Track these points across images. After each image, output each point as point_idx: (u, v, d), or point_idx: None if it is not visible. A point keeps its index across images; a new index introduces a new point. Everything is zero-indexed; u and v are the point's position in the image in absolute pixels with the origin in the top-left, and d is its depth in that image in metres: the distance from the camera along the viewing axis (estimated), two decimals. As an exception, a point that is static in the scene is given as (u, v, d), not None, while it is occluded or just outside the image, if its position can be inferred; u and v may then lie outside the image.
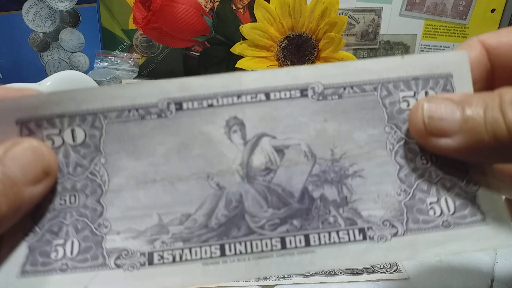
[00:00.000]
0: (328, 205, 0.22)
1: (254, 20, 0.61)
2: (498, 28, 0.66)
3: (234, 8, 0.70)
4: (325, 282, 0.37)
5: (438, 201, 0.22)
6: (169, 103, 0.23)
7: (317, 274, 0.38)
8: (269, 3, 0.60)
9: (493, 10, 0.66)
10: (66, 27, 0.73)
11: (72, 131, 0.22)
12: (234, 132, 0.23)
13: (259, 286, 0.37)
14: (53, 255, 0.21)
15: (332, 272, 0.38)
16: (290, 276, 0.38)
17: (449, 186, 0.23)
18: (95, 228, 0.22)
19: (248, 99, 0.23)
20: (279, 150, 0.23)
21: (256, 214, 0.22)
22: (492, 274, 0.38)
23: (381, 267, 0.38)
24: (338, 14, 0.60)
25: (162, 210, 0.22)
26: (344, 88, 0.23)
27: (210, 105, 0.23)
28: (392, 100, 0.23)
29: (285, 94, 0.23)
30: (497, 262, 0.39)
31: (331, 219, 0.22)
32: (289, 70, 0.23)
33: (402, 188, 0.23)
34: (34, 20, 0.73)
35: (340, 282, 0.37)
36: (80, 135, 0.22)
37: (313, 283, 0.37)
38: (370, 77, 0.23)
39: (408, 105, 0.23)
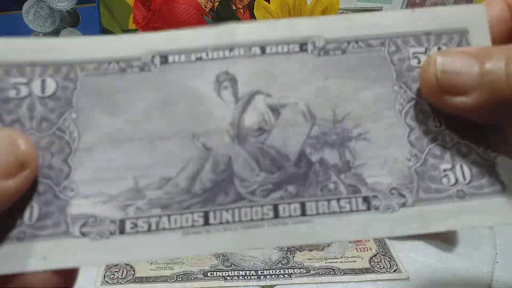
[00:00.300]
0: (328, 170, 0.20)
1: (255, 19, 0.60)
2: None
3: (234, 8, 0.69)
4: (325, 282, 0.36)
5: (452, 168, 0.20)
6: (154, 56, 0.21)
7: (317, 274, 0.37)
8: (269, 3, 0.59)
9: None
10: (66, 27, 0.72)
11: (43, 82, 0.20)
12: (225, 89, 0.21)
13: (259, 286, 0.36)
14: (9, 222, 0.18)
15: (332, 272, 0.37)
16: (290, 276, 0.37)
17: (465, 152, 0.20)
18: (59, 192, 0.19)
19: (241, 53, 0.21)
20: (275, 109, 0.21)
21: (246, 178, 0.20)
22: (492, 274, 0.38)
23: (381, 267, 0.38)
24: (338, 14, 0.59)
25: (138, 172, 0.20)
26: (348, 43, 0.21)
27: (199, 59, 0.21)
28: (401, 56, 0.21)
29: (282, 48, 0.21)
30: (497, 262, 0.39)
31: (331, 186, 0.20)
32: (288, 21, 0.21)
33: (412, 152, 0.20)
34: (34, 20, 0.72)
35: (340, 282, 0.36)
36: (50, 86, 0.20)
37: (313, 283, 0.36)
38: (377, 31, 0.21)
39: (419, 62, 0.21)
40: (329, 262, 0.38)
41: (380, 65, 0.21)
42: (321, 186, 0.20)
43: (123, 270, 0.37)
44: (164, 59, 0.21)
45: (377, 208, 0.19)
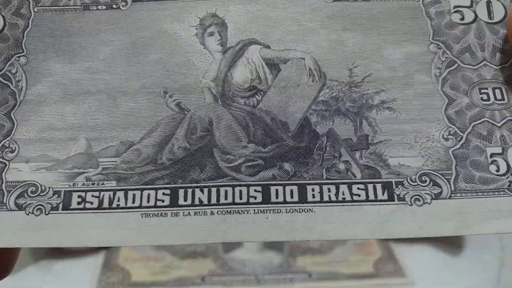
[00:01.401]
0: (338, 145, 0.15)
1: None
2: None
3: None
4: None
5: (503, 152, 0.15)
6: None
7: (319, 279, 0.35)
8: None
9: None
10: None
11: None
12: (210, 35, 0.16)
13: (258, 289, 0.35)
14: None
15: (335, 277, 0.35)
16: (291, 281, 0.35)
17: None
18: None
19: None
20: (273, 65, 0.16)
21: (229, 150, 0.15)
22: (499, 277, 0.36)
23: (386, 271, 0.36)
24: None
25: (93, 134, 0.16)
26: None
27: None
28: (440, 9, 0.16)
29: None
30: (504, 265, 0.37)
31: (342, 166, 0.15)
32: None
33: (451, 130, 0.15)
34: None
35: (343, 287, 0.34)
36: None
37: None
38: None
39: (463, 18, 0.16)
40: (333, 266, 0.36)
41: (413, 18, 0.16)
42: (327, 165, 0.15)
43: (118, 275, 0.36)
44: None
45: (402, 198, 0.14)
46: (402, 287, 0.35)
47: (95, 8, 0.17)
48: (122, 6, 0.17)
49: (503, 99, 0.16)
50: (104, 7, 0.17)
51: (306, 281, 0.35)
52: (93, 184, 0.15)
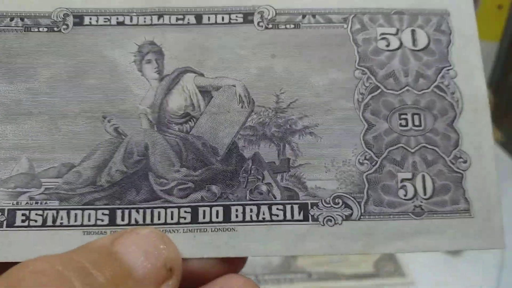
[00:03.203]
0: (262, 168, 0.16)
1: None
2: (505, 24, 0.60)
3: None
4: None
5: (413, 178, 0.16)
6: (67, 15, 0.18)
7: (319, 279, 0.36)
8: None
9: (500, 6, 0.61)
10: None
11: None
12: (148, 63, 0.17)
13: (259, 290, 0.35)
14: None
15: (335, 277, 0.36)
16: (291, 281, 0.36)
17: (431, 160, 0.16)
18: None
19: (172, 21, 0.17)
20: (206, 92, 0.17)
21: (163, 174, 0.16)
22: (498, 279, 0.37)
23: (386, 272, 0.37)
24: None
25: (35, 155, 0.17)
26: (304, 16, 0.17)
27: (121, 23, 0.17)
28: (366, 36, 0.17)
29: (222, 19, 0.17)
30: (504, 266, 0.38)
31: (264, 188, 0.16)
32: None
33: (367, 155, 0.17)
34: None
35: (343, 287, 0.35)
36: None
37: (315, 288, 0.35)
38: (340, 5, 0.18)
39: (388, 44, 0.17)
40: (333, 267, 0.37)
41: (341, 45, 0.17)
42: (251, 187, 0.16)
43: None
44: (79, 19, 0.17)
45: (316, 219, 0.16)
46: (402, 287, 0.36)
47: (36, 30, 0.17)
48: (64, 29, 0.17)
49: (420, 125, 0.17)
50: (45, 29, 0.17)
51: (306, 281, 0.36)
52: (36, 203, 0.16)
